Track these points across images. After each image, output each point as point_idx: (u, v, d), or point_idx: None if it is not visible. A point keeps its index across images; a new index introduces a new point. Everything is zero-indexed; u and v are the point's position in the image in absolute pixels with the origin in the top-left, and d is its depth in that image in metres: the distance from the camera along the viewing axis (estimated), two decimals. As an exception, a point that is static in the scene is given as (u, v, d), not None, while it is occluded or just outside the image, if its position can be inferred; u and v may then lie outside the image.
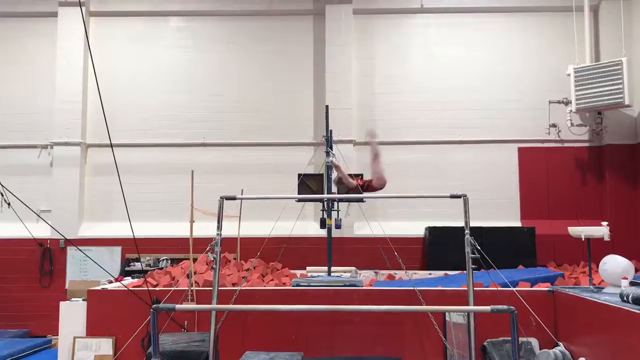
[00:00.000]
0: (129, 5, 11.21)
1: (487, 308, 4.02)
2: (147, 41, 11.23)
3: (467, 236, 6.14)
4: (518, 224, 10.46)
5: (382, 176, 7.12)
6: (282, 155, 10.82)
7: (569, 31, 10.47)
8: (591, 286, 6.63)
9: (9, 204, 8.00)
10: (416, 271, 9.37)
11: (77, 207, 10.69)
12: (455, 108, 10.79)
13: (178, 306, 4.26)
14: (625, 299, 5.36)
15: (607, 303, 5.57)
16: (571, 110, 10.17)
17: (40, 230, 9.94)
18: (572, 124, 10.31)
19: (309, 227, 10.36)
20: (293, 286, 7.34)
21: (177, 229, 9.95)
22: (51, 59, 10.98)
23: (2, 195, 7.93)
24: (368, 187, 7.18)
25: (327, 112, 9.23)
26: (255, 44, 11.17)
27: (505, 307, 3.97)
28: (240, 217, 9.36)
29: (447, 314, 6.63)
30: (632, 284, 5.89)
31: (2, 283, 10.54)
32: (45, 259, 10.57)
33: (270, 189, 10.34)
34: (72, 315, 7.23)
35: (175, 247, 10.14)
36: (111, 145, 6.82)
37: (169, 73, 11.14)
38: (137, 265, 10.14)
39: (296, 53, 11.12)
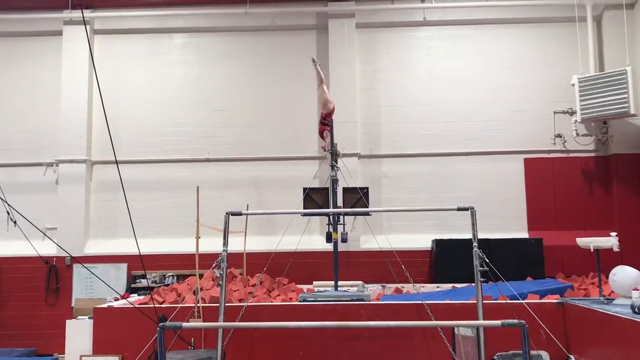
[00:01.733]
0: (133, 22, 11.28)
1: (498, 322, 3.96)
2: (152, 58, 11.29)
3: (476, 249, 6.10)
4: (525, 235, 10.38)
5: (326, 100, 8.30)
6: (287, 169, 10.81)
7: (572, 42, 10.46)
8: (601, 298, 6.57)
9: (15, 222, 7.98)
10: (424, 284, 9.30)
11: (82, 225, 10.68)
12: (460, 120, 10.77)
13: (185, 324, 4.23)
14: (636, 310, 5.31)
15: (618, 315, 5.51)
16: (576, 120, 10.13)
17: (46, 248, 9.84)
18: (577, 134, 10.26)
19: (315, 241, 10.30)
20: (300, 301, 7.31)
21: (183, 245, 9.89)
22: (56, 77, 11.04)
23: (8, 213, 7.93)
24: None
25: (331, 126, 9.23)
26: (259, 59, 11.21)
27: (515, 321, 3.92)
28: (245, 233, 9.33)
29: (456, 327, 6.56)
30: (643, 295, 5.83)
31: (9, 301, 10.52)
32: (51, 277, 10.54)
33: (275, 204, 10.33)
34: (79, 333, 7.23)
35: (181, 263, 10.08)
36: (116, 162, 6.82)
37: (173, 89, 11.18)
38: (143, 282, 10.10)
39: (300, 68, 11.12)
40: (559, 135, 10.47)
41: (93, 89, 10.98)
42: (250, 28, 11.23)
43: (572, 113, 10.28)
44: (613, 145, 10.41)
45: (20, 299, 10.47)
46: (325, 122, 8.44)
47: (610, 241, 6.44)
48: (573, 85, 10.04)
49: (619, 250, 6.48)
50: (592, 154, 10.60)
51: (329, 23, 11.01)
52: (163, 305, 7.32)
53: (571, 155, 10.58)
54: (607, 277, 6.48)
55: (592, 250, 6.61)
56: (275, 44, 11.24)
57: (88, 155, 10.91)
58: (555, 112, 10.48)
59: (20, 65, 11.30)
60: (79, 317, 7.63)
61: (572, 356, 6.43)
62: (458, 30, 11.09)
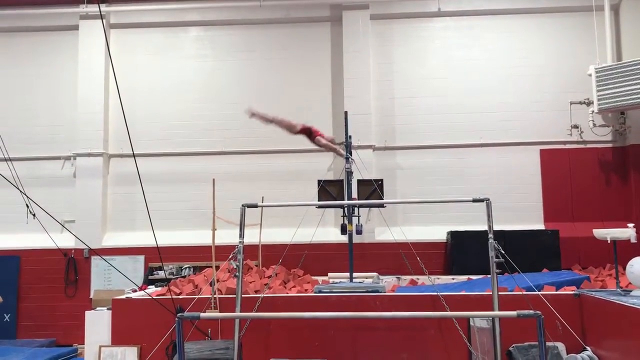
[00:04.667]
0: (148, 16, 11.35)
1: (513, 313, 3.96)
2: (167, 51, 11.36)
3: (491, 240, 6.08)
4: (541, 226, 10.33)
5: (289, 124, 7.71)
6: (301, 162, 10.84)
7: (589, 31, 10.34)
8: (618, 289, 6.53)
9: (34, 214, 8.11)
10: (439, 276, 9.30)
11: (100, 217, 10.82)
12: (475, 111, 10.71)
13: (203, 315, 4.28)
14: (654, 302, 5.28)
15: (635, 306, 5.49)
16: (593, 111, 10.02)
17: (64, 241, 10.00)
18: (594, 125, 10.16)
19: (329, 233, 10.35)
20: (315, 293, 7.35)
21: (199, 237, 9.97)
22: (73, 71, 11.15)
23: (28, 206, 8.05)
24: (312, 135, 7.76)
25: (346, 118, 9.23)
26: (273, 52, 11.23)
27: (531, 311, 3.91)
28: (261, 225, 9.38)
29: (471, 318, 6.57)
30: (660, 286, 5.79)
31: (29, 293, 10.71)
32: (70, 269, 10.70)
33: (290, 196, 10.36)
34: (98, 324, 7.32)
35: (198, 255, 10.17)
36: (134, 155, 6.88)
37: (188, 82, 11.25)
38: (160, 274, 10.21)
39: (314, 59, 11.15)
40: (576, 126, 10.39)
41: (109, 83, 11.08)
42: (265, 21, 11.24)
43: (589, 103, 10.19)
44: (631, 136, 10.31)
45: (40, 290, 10.65)
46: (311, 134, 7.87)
47: (628, 232, 6.39)
48: (590, 75, 9.92)
49: (636, 241, 6.43)
50: (609, 145, 10.50)
51: (343, 15, 10.99)
52: (180, 297, 7.40)
53: (588, 146, 10.50)
54: (624, 268, 6.43)
55: (609, 242, 6.57)
56: (290, 36, 11.26)
57: (105, 148, 11.03)
58: (571, 103, 10.40)
59: (37, 60, 11.43)
60: (97, 309, 7.72)
61: (588, 348, 6.40)
62: (473, 21, 11.02)
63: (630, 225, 6.51)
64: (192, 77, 11.27)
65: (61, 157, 11.13)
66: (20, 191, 7.36)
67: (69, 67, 11.23)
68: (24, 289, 10.74)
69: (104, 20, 10.89)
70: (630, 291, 6.30)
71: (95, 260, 10.57)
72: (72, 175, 11.05)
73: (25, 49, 11.47)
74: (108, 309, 7.43)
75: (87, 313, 7.56)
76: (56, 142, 11.16)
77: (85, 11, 11.11)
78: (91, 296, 10.37)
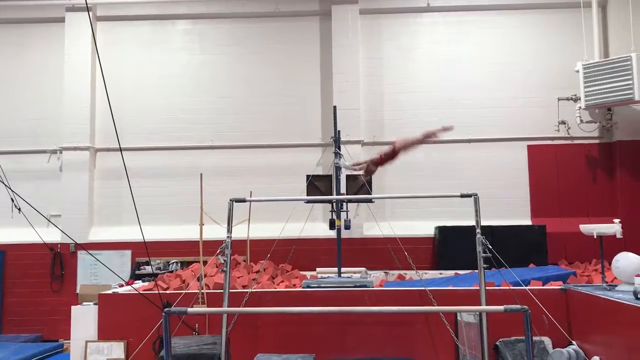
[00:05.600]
0: (135, 9, 11.23)
1: (500, 308, 3.98)
2: (154, 45, 11.26)
3: (479, 235, 6.11)
4: (528, 222, 10.39)
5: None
6: (290, 156, 10.81)
7: (577, 28, 10.39)
8: (604, 284, 6.58)
9: (19, 209, 8.01)
10: (426, 271, 9.33)
11: (86, 211, 10.72)
12: (463, 106, 10.74)
13: (190, 309, 4.25)
14: (639, 296, 5.34)
15: (620, 301, 5.54)
16: (580, 107, 10.09)
17: (50, 235, 9.90)
18: (581, 121, 10.23)
19: (318, 228, 10.35)
20: (303, 288, 7.35)
21: (187, 232, 9.96)
22: (59, 64, 11.02)
23: (13, 200, 7.96)
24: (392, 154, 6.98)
25: (335, 113, 9.22)
26: (262, 46, 11.17)
27: (518, 306, 3.93)
28: (249, 220, 9.35)
29: (458, 313, 6.60)
30: (645, 281, 5.84)
31: (14, 288, 10.60)
32: (56, 264, 10.60)
33: (278, 191, 10.33)
34: (84, 319, 7.28)
35: (185, 250, 10.14)
36: (120, 150, 6.83)
37: (176, 76, 11.16)
38: (147, 269, 10.14)
39: (303, 54, 11.11)
40: (563, 122, 10.44)
41: (96, 76, 10.96)
42: (253, 14, 11.17)
43: (576, 100, 10.26)
44: (617, 132, 10.39)
45: (26, 285, 10.55)
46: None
47: (614, 228, 6.43)
48: (577, 71, 9.99)
49: (622, 237, 6.47)
50: (596, 141, 10.59)
51: (332, 9, 10.95)
52: (167, 292, 7.38)
53: (575, 142, 10.56)
54: (610, 263, 6.49)
55: (595, 237, 6.61)
56: (278, 30, 11.19)
57: (91, 142, 10.92)
58: (559, 99, 10.46)
59: (24, 53, 11.29)
60: (84, 303, 7.68)
61: (574, 342, 6.46)
62: (462, 17, 11.04)
63: (616, 220, 6.55)
64: (180, 71, 11.19)
65: (47, 151, 11.00)
66: (5, 185, 7.28)
67: (55, 59, 11.09)
68: (9, 283, 10.63)
69: (90, 13, 10.73)
70: (616, 286, 6.35)
71: (82, 255, 10.46)
72: (58, 169, 10.94)
73: (10, 41, 11.31)
74: (94, 303, 7.39)
75: (73, 308, 7.51)
76: (42, 135, 11.02)
77: (72, 3, 10.97)
78: (77, 291, 10.34)
